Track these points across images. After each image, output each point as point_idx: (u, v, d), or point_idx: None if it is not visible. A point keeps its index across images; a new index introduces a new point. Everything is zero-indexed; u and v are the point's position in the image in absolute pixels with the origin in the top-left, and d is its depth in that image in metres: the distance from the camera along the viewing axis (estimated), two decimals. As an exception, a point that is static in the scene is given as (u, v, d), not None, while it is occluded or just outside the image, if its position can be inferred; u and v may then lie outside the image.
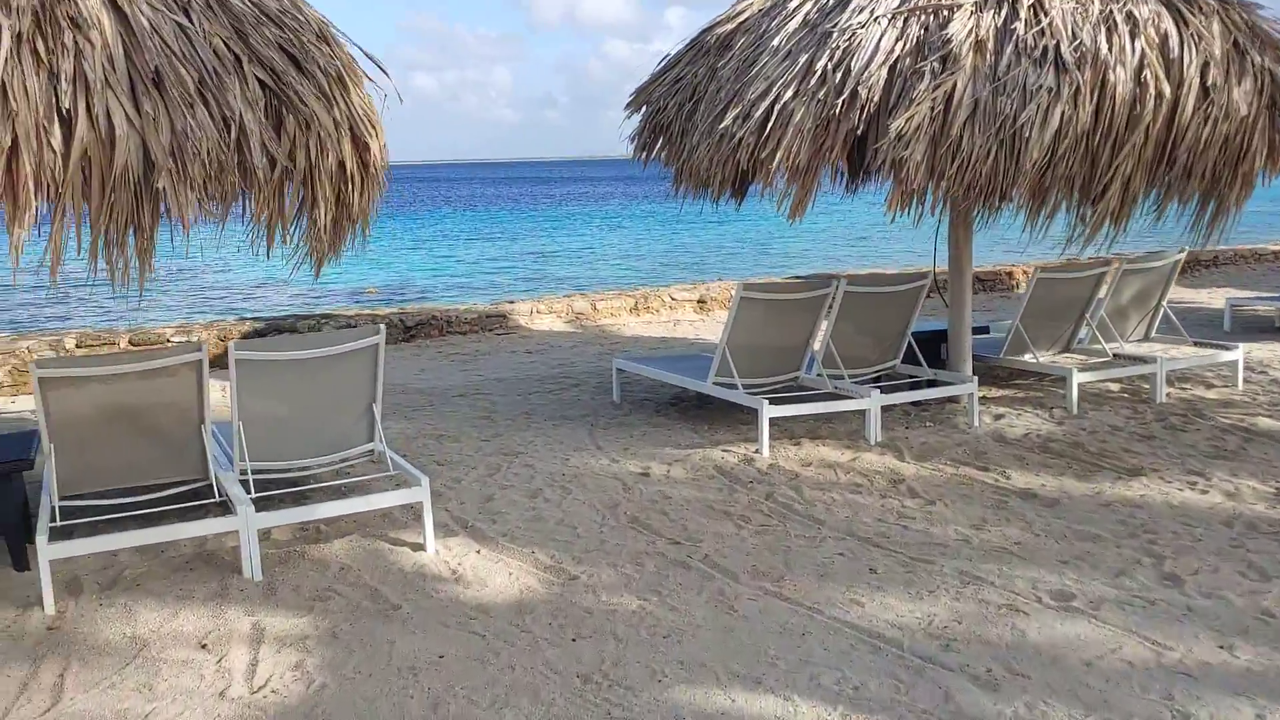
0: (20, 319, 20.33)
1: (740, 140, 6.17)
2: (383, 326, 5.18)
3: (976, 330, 7.98)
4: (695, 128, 6.88)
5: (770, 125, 6.05)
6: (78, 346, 9.65)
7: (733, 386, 6.77)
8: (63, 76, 3.99)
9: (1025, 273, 14.38)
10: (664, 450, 6.50)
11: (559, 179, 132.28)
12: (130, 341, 9.83)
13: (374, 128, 4.99)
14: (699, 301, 12.51)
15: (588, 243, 40.33)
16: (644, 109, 7.68)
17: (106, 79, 4.07)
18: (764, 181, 6.19)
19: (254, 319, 10.90)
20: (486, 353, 10.41)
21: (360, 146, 4.97)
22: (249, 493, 4.82)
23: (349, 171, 4.90)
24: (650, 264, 31.59)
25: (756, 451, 6.37)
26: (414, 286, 27.84)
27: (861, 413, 6.86)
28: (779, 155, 5.99)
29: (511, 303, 12.30)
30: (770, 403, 6.38)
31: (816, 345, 7.10)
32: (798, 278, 13.56)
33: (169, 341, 9.95)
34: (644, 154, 7.64)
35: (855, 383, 6.92)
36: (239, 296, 25.03)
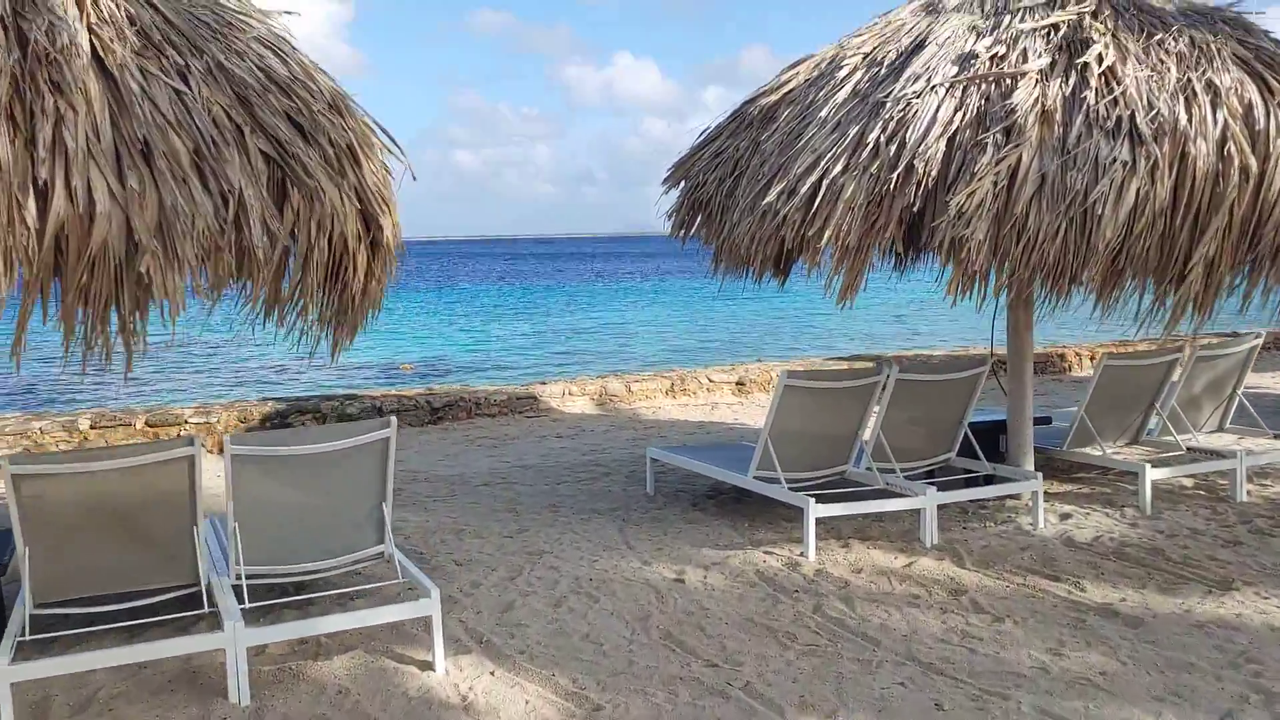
0: (40, 391, 20.20)
1: (785, 217, 5.74)
2: (393, 419, 4.73)
3: (1037, 420, 7.42)
4: (736, 203, 6.47)
5: (818, 201, 5.62)
6: (92, 428, 9.31)
7: (775, 481, 6.25)
8: (40, 144, 3.62)
9: (1079, 355, 13.79)
10: (701, 551, 5.97)
11: (597, 254, 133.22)
12: (147, 423, 9.47)
13: (386, 204, 4.60)
14: (738, 384, 12.03)
15: (623, 317, 40.08)
16: (683, 184, 7.29)
17: (89, 149, 3.70)
18: (810, 261, 5.73)
19: (276, 399, 10.53)
20: (515, 437, 9.96)
21: (371, 223, 4.57)
22: (242, 601, 4.36)
23: (356, 249, 4.50)
24: (687, 341, 31.21)
25: (802, 555, 5.83)
26: (449, 362, 27.58)
27: (915, 511, 6.31)
28: (827, 233, 5.54)
29: (543, 383, 11.87)
30: (817, 501, 5.85)
31: (866, 436, 6.58)
32: (841, 360, 13.06)
33: (187, 423, 9.59)
34: (682, 231, 7.23)
35: (908, 477, 6.39)
36: (271, 370, 24.80)
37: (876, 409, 6.41)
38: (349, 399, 10.46)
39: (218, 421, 9.69)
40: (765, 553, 5.91)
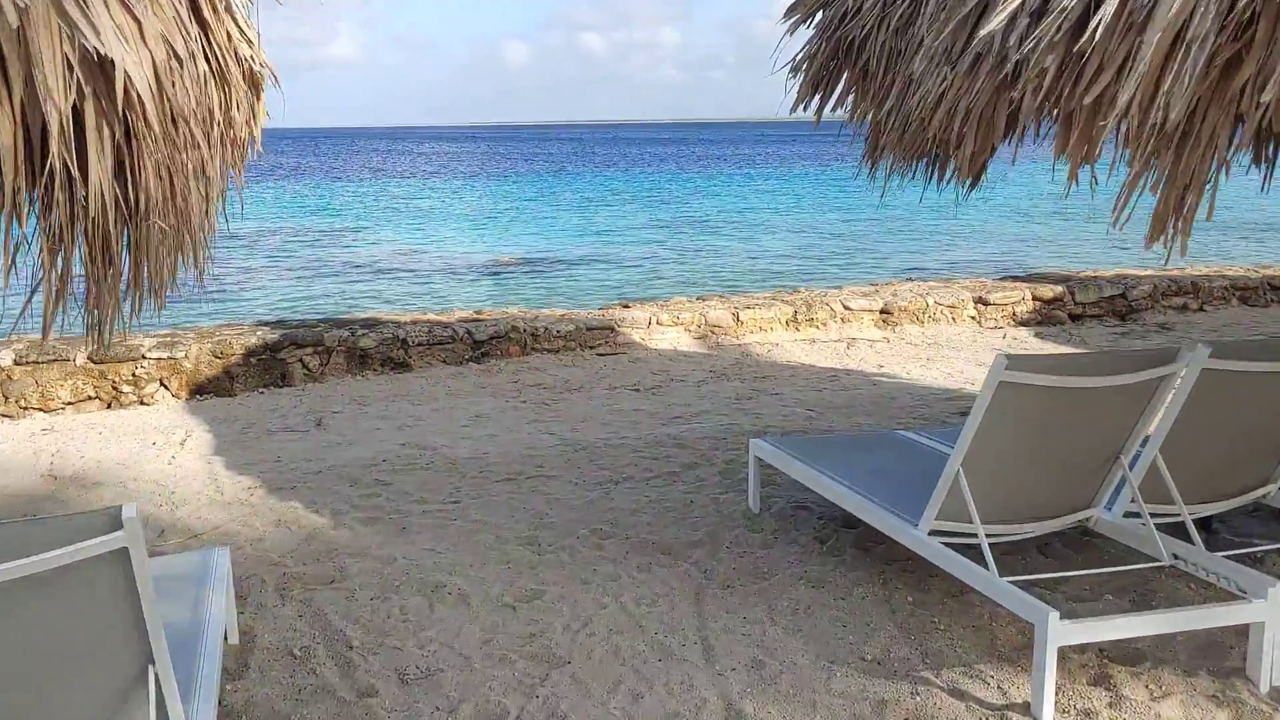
0: None
1: (1030, 62, 2.87)
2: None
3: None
4: (916, 44, 3.60)
5: (1106, 31, 2.72)
6: (16, 364, 7.02)
7: (968, 539, 3.52)
8: None
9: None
10: (832, 680, 3.29)
11: (720, 140, 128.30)
12: (90, 358, 7.14)
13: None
14: (881, 313, 9.14)
15: (741, 213, 36.81)
16: (819, 15, 4.40)
17: None
18: (1081, 149, 2.87)
19: (270, 325, 8.11)
20: (577, 386, 7.34)
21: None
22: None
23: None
24: (813, 245, 27.97)
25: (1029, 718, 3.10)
26: (551, 257, 25.02)
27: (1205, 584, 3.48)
28: (1126, 95, 2.66)
29: (626, 306, 9.19)
30: (1063, 615, 3.07)
31: (1126, 458, 3.74)
32: (1017, 280, 9.97)
33: (145, 358, 7.23)
34: (817, 97, 4.37)
35: (1201, 523, 3.59)
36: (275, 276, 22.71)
37: (1152, 414, 3.58)
38: (366, 326, 7.97)
39: (184, 356, 7.31)
40: (954, 694, 3.20)
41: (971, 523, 3.46)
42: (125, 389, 7.22)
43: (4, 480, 5.61)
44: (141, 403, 7.23)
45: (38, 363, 7.05)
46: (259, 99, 3.09)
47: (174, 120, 2.27)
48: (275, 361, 7.54)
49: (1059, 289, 9.57)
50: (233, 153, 2.80)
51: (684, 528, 4.62)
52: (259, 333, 7.65)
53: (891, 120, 3.68)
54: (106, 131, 2.09)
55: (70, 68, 1.97)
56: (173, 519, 4.93)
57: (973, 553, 3.44)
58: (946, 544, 3.56)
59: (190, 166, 2.36)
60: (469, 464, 5.63)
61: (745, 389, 7.20)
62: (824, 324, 8.95)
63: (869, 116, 4.18)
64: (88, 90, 2.02)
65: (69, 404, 7.12)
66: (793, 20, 4.48)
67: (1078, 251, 23.03)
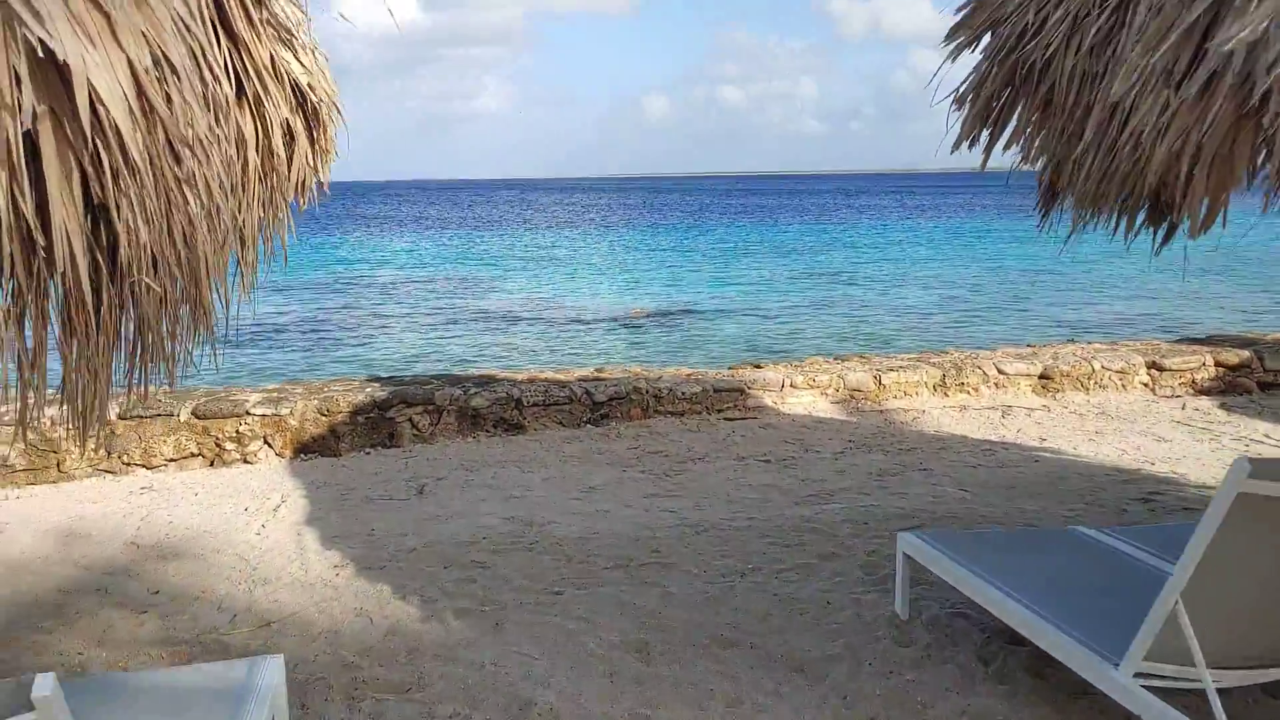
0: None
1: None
2: None
3: None
4: (1116, 66, 2.91)
5: None
6: (121, 418, 6.76)
7: (1189, 681, 2.75)
8: None
9: None
10: None
11: (865, 191, 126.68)
12: (194, 413, 6.85)
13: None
14: (1040, 378, 8.26)
15: (879, 265, 35.73)
16: (987, 38, 3.73)
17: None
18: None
19: (381, 382, 7.72)
20: (702, 455, 6.71)
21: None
22: None
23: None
24: (957, 299, 26.80)
25: None
26: (684, 308, 24.51)
27: None
28: None
29: (758, 367, 8.53)
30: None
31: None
32: (1197, 343, 8.93)
33: (249, 414, 6.90)
34: (987, 131, 3.69)
35: None
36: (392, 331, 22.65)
37: None
38: (480, 384, 7.51)
39: (289, 414, 6.96)
40: None
41: (1192, 666, 2.69)
42: (228, 446, 6.90)
43: (85, 547, 5.27)
44: (245, 460, 6.90)
45: (141, 417, 6.79)
46: (322, 132, 2.60)
47: (171, 148, 1.77)
48: (383, 420, 7.13)
49: (1245, 354, 8.53)
50: (276, 194, 2.31)
51: (819, 636, 3.93)
52: (368, 389, 7.26)
53: (1090, 158, 2.97)
54: (73, 162, 1.59)
55: (17, 79, 1.48)
56: (249, 600, 4.47)
57: (1191, 700, 2.67)
58: (1156, 688, 2.79)
59: (195, 209, 1.85)
60: (577, 546, 5.04)
61: (889, 463, 6.46)
62: (975, 389, 8.12)
63: (1048, 154, 3.47)
64: (41, 108, 1.53)
65: (171, 460, 6.83)
66: (955, 44, 3.81)
67: (1252, 311, 21.34)
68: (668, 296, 27.45)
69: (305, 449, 7.00)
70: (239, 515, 5.72)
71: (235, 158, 2.10)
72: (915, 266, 34.50)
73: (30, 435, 6.65)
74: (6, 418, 6.63)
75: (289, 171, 2.40)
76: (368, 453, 7.02)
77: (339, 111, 2.59)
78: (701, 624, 4.08)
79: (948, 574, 3.79)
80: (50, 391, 2.38)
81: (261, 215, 2.36)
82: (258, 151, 2.22)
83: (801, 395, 7.85)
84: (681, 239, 50.88)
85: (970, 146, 3.70)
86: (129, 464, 6.77)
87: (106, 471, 6.74)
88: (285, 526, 5.50)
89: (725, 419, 7.57)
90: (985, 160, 3.82)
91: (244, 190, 2.19)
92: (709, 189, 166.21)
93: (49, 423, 6.67)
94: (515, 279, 32.58)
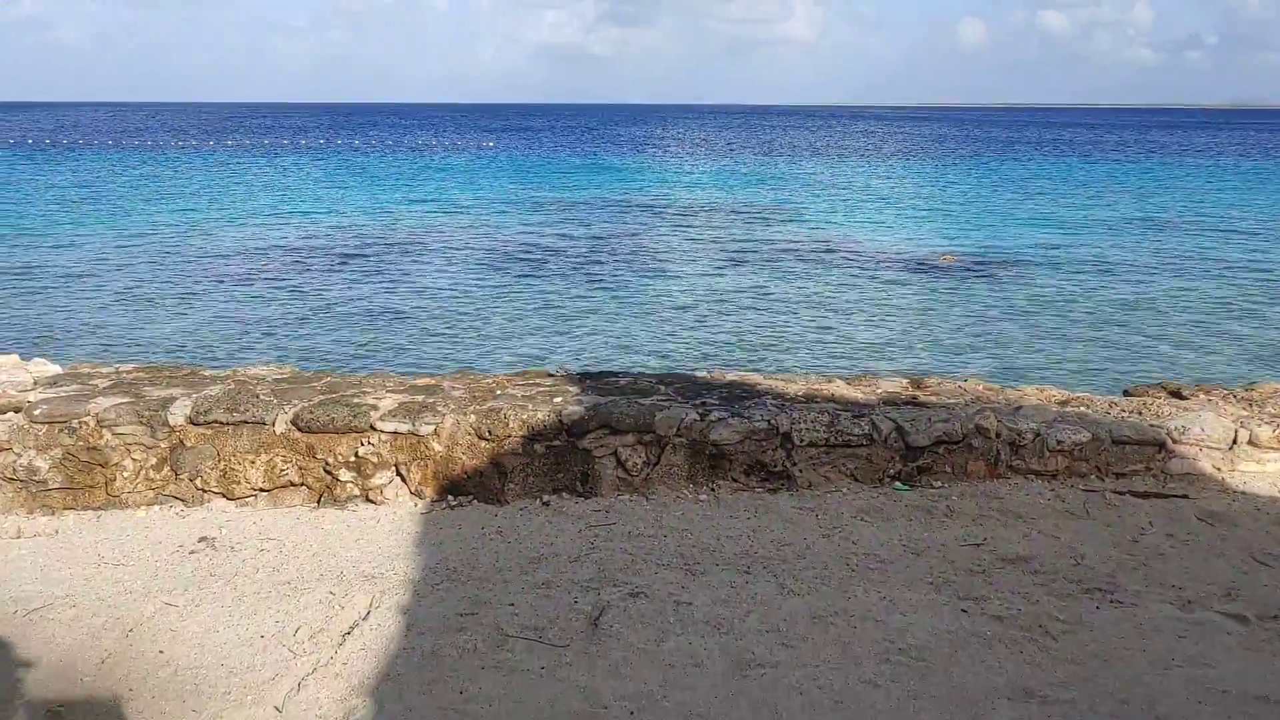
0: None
1: None
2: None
3: None
4: None
5: None
6: (191, 423, 4.55)
7: None
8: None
9: None
10: None
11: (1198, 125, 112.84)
12: (296, 423, 4.54)
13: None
14: None
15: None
16: None
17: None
18: None
19: (581, 380, 5.14)
20: (1108, 582, 3.72)
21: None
22: None
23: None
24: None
25: None
26: (1001, 257, 20.68)
27: None
28: None
29: (1178, 395, 5.32)
30: None
31: None
32: None
33: (373, 429, 4.52)
34: None
35: None
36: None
37: None
38: (729, 399, 4.79)
39: (434, 434, 4.52)
40: None
41: None
42: (344, 476, 4.56)
43: (49, 656, 3.05)
44: (366, 498, 4.56)
45: (223, 424, 4.55)
46: None
47: None
48: (574, 453, 4.59)
49: None
50: None
51: None
52: (556, 400, 4.70)
53: None
54: None
55: None
56: None
57: None
58: None
59: None
60: None
61: None
62: None
63: None
64: None
65: (261, 490, 4.58)
66: None
67: None
68: (980, 240, 23.57)
69: (455, 486, 4.57)
70: (290, 630, 3.35)
71: None
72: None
73: (68, 440, 4.55)
74: (39, 413, 4.56)
75: None
76: (546, 502, 4.51)
77: None
78: None
79: None
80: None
81: None
82: None
83: (1269, 461, 4.64)
84: (994, 175, 45.75)
85: None
86: (203, 490, 4.57)
87: (175, 498, 4.58)
88: (340, 683, 3.05)
89: (1133, 493, 4.51)
90: None
91: None
92: (1024, 122, 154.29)
93: (93, 422, 4.55)
94: (812, 212, 29.46)
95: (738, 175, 44.48)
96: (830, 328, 14.17)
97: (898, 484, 4.61)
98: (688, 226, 25.73)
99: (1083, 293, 16.90)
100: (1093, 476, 4.61)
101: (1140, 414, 4.86)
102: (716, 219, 27.53)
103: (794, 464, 4.60)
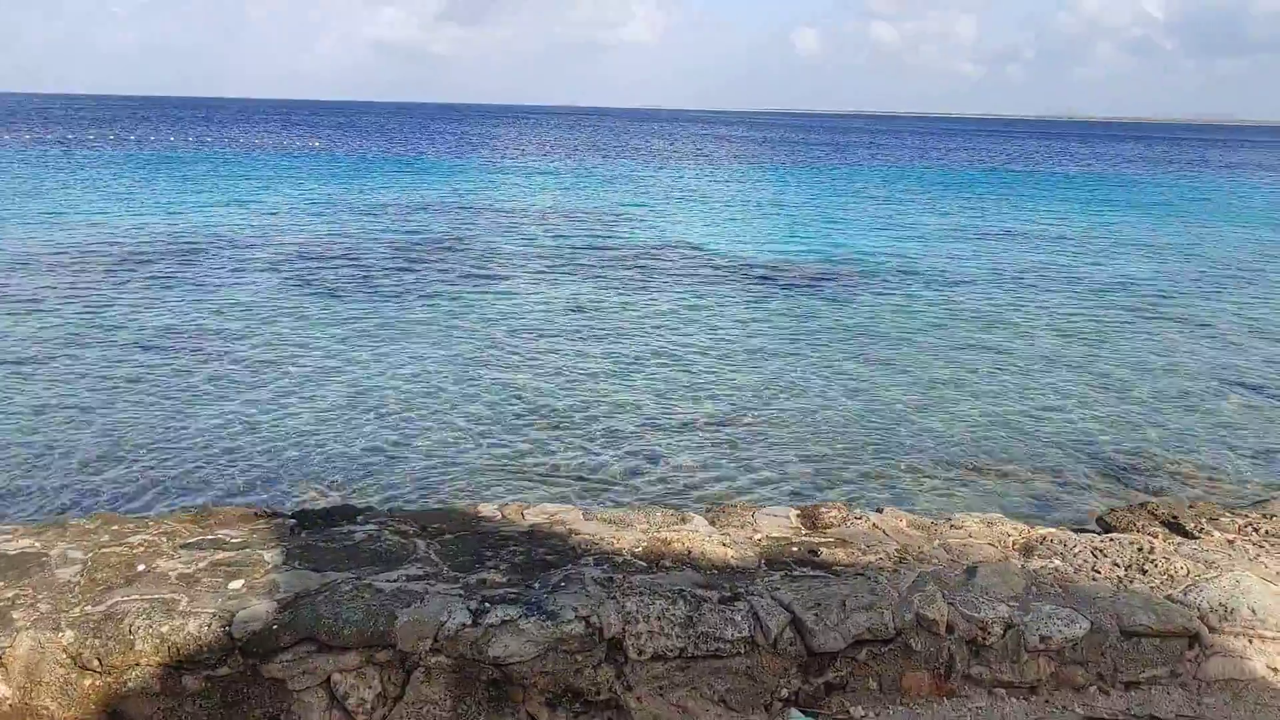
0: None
1: None
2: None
3: None
4: None
5: None
6: None
7: None
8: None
9: None
10: None
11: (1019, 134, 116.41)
12: None
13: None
14: None
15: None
16: None
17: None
18: None
19: (288, 528, 3.22)
20: None
21: None
22: None
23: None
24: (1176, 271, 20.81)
25: None
26: (849, 269, 19.28)
27: None
28: None
29: (1181, 529, 3.74)
30: None
31: None
32: None
33: None
34: None
35: None
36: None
37: None
38: (521, 569, 2.97)
39: (2, 658, 2.54)
40: None
41: None
42: None
43: None
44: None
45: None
46: None
47: None
48: (257, 685, 2.67)
49: None
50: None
51: None
52: (231, 591, 2.76)
53: None
54: None
55: None
56: None
57: None
58: None
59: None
60: None
61: None
62: None
63: None
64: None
65: None
66: None
67: None
68: (820, 250, 22.12)
69: None
70: None
71: None
72: (1134, 231, 28.15)
73: None
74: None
75: None
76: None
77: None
78: None
79: None
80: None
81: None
82: None
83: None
84: (842, 180, 45.11)
85: None
86: None
87: None
88: None
89: (1154, 715, 2.87)
90: None
91: None
92: (862, 128, 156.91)
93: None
94: (659, 218, 27.73)
95: (569, 177, 42.60)
96: (671, 359, 12.29)
97: (795, 711, 2.86)
98: (511, 229, 23.64)
99: (924, 297, 15.60)
100: (1093, 689, 2.96)
101: (1144, 572, 3.23)
102: (549, 221, 25.56)
103: (629, 688, 2.79)
